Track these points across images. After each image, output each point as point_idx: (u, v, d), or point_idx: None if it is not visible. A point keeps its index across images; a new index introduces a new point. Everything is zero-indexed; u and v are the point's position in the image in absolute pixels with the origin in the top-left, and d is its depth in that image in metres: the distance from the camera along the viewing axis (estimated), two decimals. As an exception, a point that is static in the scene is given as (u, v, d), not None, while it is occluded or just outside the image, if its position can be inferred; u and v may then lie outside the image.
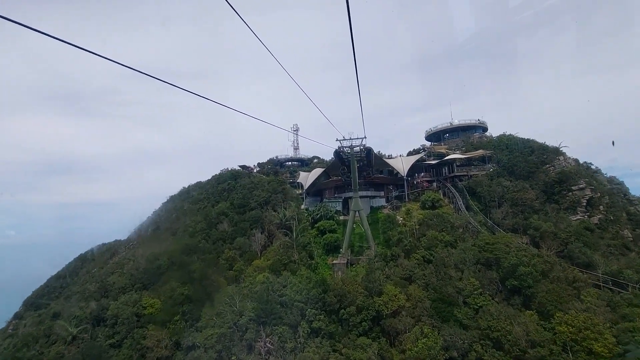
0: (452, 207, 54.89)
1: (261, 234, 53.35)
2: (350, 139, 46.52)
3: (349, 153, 48.03)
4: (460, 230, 44.37)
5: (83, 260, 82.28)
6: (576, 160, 57.89)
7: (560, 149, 58.89)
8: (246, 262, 48.36)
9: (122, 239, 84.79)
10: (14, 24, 4.68)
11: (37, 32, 5.02)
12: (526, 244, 39.43)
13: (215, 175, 76.06)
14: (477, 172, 57.57)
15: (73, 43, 5.70)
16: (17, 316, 68.50)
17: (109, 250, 79.12)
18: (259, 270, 44.45)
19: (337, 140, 47.07)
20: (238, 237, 52.84)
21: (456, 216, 47.89)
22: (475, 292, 32.73)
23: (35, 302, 71.27)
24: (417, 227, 45.90)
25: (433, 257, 39.22)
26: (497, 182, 52.22)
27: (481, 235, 41.58)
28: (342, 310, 33.90)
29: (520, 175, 54.09)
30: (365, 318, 33.17)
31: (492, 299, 32.71)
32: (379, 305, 33.32)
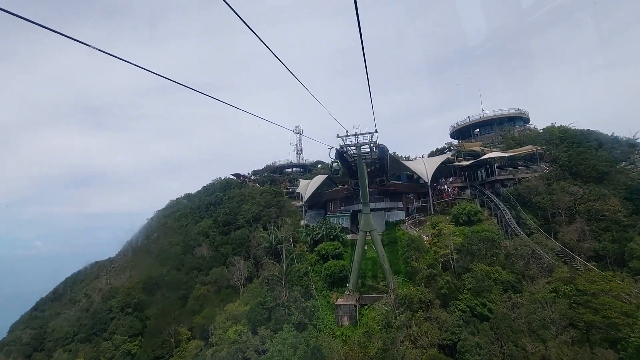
0: (496, 221, 38.96)
1: (246, 261, 39.17)
2: (357, 134, 31.72)
3: (354, 154, 33.30)
4: (520, 261, 28.40)
5: (71, 282, 70.49)
6: (663, 156, 40.68)
7: (638, 141, 42.33)
8: (221, 303, 34.24)
9: (113, 256, 73.23)
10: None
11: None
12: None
13: (206, 185, 62.78)
14: (528, 175, 41.32)
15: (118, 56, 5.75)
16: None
17: (99, 270, 67.24)
18: (232, 319, 30.19)
19: (338, 136, 32.40)
20: (216, 266, 38.89)
21: (516, 240, 31.59)
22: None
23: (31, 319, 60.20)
24: (454, 255, 30.31)
25: (489, 311, 23.65)
26: (561, 188, 35.92)
27: (559, 272, 25.59)
28: (344, 418, 18.98)
29: (589, 177, 37.68)
30: None
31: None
32: (406, 411, 18.23)
